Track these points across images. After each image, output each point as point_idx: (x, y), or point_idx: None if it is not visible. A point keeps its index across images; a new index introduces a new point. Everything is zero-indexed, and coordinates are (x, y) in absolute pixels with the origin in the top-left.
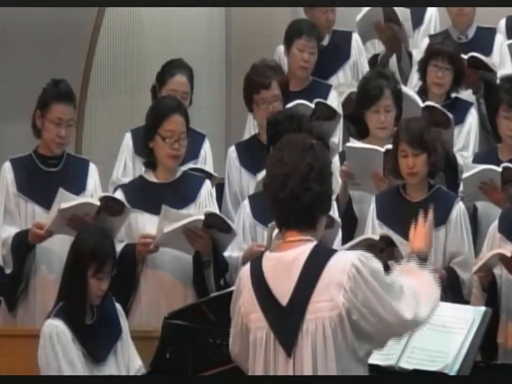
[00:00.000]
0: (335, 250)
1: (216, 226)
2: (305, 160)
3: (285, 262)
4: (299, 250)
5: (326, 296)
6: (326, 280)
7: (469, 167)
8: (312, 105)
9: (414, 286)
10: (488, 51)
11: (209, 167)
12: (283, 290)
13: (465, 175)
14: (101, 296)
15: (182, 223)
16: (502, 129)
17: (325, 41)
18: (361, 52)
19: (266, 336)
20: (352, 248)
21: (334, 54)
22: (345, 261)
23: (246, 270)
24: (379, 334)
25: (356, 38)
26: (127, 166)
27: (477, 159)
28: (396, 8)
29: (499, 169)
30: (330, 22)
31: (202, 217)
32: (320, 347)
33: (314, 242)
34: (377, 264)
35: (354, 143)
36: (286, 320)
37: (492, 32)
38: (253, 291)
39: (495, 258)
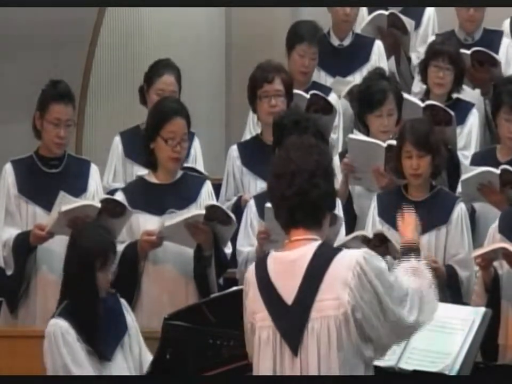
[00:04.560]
0: (340, 249)
1: (217, 219)
2: (312, 157)
3: (290, 261)
4: (304, 249)
5: (331, 295)
6: (331, 278)
7: (467, 169)
8: (307, 96)
9: (418, 285)
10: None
11: (199, 165)
12: (288, 290)
13: (463, 176)
14: (107, 288)
15: (184, 217)
16: (502, 131)
17: (346, 42)
18: (381, 59)
19: (272, 335)
20: (346, 244)
21: (353, 56)
22: (350, 258)
23: (251, 270)
24: (380, 338)
25: (378, 44)
26: (117, 170)
27: (476, 159)
28: (404, 18)
29: (497, 171)
30: (349, 16)
31: (203, 212)
32: (324, 346)
33: (319, 241)
34: (381, 263)
35: (357, 135)
36: (291, 319)
37: (498, 34)
38: (258, 290)
39: (498, 252)
